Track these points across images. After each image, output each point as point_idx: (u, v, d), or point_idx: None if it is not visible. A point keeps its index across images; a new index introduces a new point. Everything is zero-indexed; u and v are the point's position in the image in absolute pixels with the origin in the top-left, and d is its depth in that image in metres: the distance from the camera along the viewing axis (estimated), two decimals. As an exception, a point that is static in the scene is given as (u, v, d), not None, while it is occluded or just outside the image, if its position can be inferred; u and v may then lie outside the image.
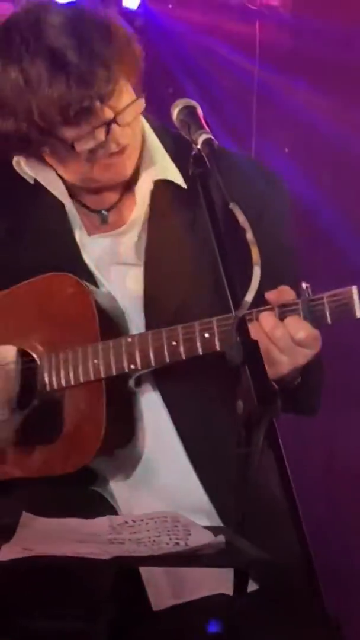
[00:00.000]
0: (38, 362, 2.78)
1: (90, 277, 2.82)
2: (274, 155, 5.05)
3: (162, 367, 2.71)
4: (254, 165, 2.97)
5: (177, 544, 2.30)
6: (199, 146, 2.44)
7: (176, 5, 5.37)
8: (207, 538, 2.32)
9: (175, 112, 2.55)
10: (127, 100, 2.70)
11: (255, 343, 2.19)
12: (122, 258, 2.85)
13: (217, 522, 2.70)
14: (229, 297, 2.28)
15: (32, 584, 2.33)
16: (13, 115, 2.68)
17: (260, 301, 2.51)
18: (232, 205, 2.30)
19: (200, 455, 2.76)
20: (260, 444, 2.08)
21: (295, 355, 2.51)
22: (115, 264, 2.85)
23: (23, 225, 2.88)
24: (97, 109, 2.64)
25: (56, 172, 2.85)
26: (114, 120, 2.67)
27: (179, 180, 2.79)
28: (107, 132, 2.68)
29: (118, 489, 2.82)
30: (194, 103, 2.57)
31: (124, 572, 2.42)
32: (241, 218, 2.28)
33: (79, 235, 2.88)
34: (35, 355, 2.78)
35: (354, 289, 2.47)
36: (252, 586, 2.48)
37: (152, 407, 2.79)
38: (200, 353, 2.61)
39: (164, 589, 2.57)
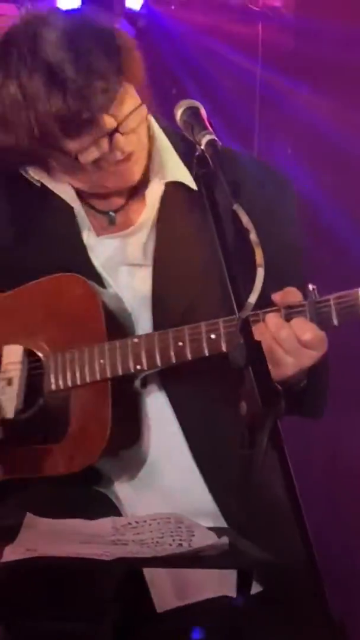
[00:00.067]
0: (44, 362, 2.78)
1: (97, 278, 2.82)
2: (277, 155, 5.06)
3: (168, 368, 2.70)
4: (260, 165, 2.97)
5: (181, 545, 2.30)
6: (202, 147, 2.44)
7: (179, 6, 5.37)
8: (210, 539, 2.32)
9: (178, 113, 2.55)
10: (130, 107, 2.70)
11: (258, 344, 2.18)
12: (130, 259, 2.85)
13: (222, 524, 2.69)
14: (232, 298, 2.28)
15: (36, 585, 2.34)
16: (14, 130, 2.69)
17: (266, 303, 2.51)
18: (235, 207, 2.29)
19: (205, 456, 2.76)
20: (264, 445, 2.08)
21: (301, 357, 2.50)
22: (123, 265, 2.85)
23: (31, 227, 2.88)
24: (98, 120, 2.65)
25: None
26: (116, 130, 2.67)
27: (189, 181, 2.79)
28: (111, 142, 2.68)
29: (123, 490, 2.82)
30: (197, 104, 2.56)
31: (128, 573, 2.42)
32: (245, 219, 2.27)
33: (87, 236, 2.88)
34: (41, 355, 2.78)
35: None
36: (256, 588, 2.48)
37: (158, 408, 2.79)
38: (207, 354, 2.61)
39: (167, 591, 2.57)
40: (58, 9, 2.81)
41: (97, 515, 2.51)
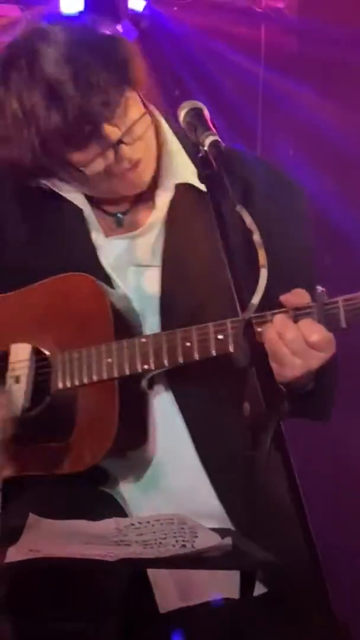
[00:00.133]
0: (52, 360, 2.78)
1: (106, 279, 2.82)
2: (279, 157, 5.05)
3: (175, 369, 2.70)
4: (265, 165, 2.96)
5: (184, 546, 2.30)
6: (205, 148, 2.44)
7: (181, 8, 5.37)
8: (214, 540, 2.32)
9: (182, 114, 2.54)
10: (134, 115, 2.70)
11: (261, 345, 2.18)
12: (138, 260, 2.85)
13: (228, 525, 2.68)
14: (236, 299, 2.28)
15: (41, 585, 2.34)
16: (17, 146, 2.70)
17: (274, 304, 2.51)
18: (238, 208, 2.29)
19: (212, 458, 2.76)
20: (267, 446, 2.08)
21: (308, 358, 2.50)
22: (132, 266, 2.85)
23: (42, 228, 2.89)
24: (101, 133, 2.65)
25: None
26: (120, 141, 2.68)
27: (199, 183, 2.79)
28: (116, 152, 2.68)
29: (128, 491, 2.81)
30: (200, 105, 2.56)
31: (132, 574, 2.42)
32: (248, 220, 2.27)
33: (96, 237, 2.88)
34: (49, 354, 2.78)
35: None
36: (260, 589, 2.48)
37: (164, 409, 2.79)
38: (214, 354, 2.61)
39: (171, 591, 2.57)
40: (58, 19, 2.78)
41: (103, 516, 2.51)
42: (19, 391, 2.77)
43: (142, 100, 2.75)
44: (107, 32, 2.74)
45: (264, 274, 2.17)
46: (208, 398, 2.76)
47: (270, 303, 2.50)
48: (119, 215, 2.89)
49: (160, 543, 2.32)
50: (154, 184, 2.84)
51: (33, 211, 2.89)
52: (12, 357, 2.82)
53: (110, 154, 2.69)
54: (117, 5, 5.02)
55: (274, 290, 2.42)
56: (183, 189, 2.81)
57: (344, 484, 5.02)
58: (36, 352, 2.79)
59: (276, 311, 2.53)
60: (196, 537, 2.34)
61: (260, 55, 5.39)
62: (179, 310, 2.76)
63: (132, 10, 5.18)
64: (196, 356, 2.63)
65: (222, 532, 2.39)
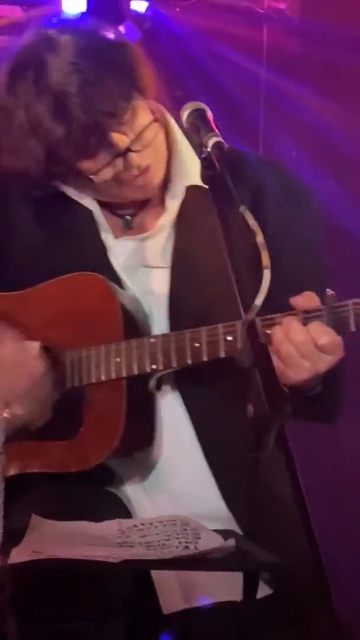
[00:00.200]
0: (60, 359, 2.78)
1: (115, 279, 2.83)
2: (282, 158, 5.04)
3: (183, 370, 2.71)
4: (278, 169, 2.96)
5: (187, 547, 2.30)
6: (208, 149, 2.44)
7: (184, 9, 5.37)
8: (217, 542, 2.32)
9: (184, 115, 2.54)
10: (143, 121, 2.71)
11: (264, 346, 2.18)
12: (148, 261, 2.85)
13: (233, 527, 2.68)
14: (239, 301, 2.28)
15: (44, 586, 2.33)
16: (24, 157, 2.70)
17: (284, 307, 2.51)
18: (242, 209, 2.29)
19: (219, 460, 2.75)
20: (270, 447, 2.08)
21: (316, 361, 2.50)
22: (141, 267, 2.85)
23: (53, 228, 2.89)
24: (109, 142, 2.65)
25: None
26: (129, 149, 2.68)
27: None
28: (125, 160, 2.68)
29: (134, 491, 2.81)
30: (203, 106, 2.56)
31: (136, 575, 2.42)
32: (251, 222, 2.27)
33: (106, 238, 2.89)
34: (58, 352, 2.78)
35: None
36: (265, 590, 2.48)
37: (172, 410, 2.79)
38: (223, 355, 2.61)
39: (174, 593, 2.57)
40: (66, 26, 2.78)
41: (107, 516, 2.51)
42: None
43: (150, 105, 2.74)
44: (115, 38, 2.74)
45: (267, 275, 2.17)
46: (216, 400, 2.76)
47: (280, 306, 2.50)
48: (127, 217, 2.89)
49: (164, 545, 2.32)
50: (164, 186, 2.84)
51: (43, 212, 2.89)
52: None
53: (119, 162, 2.69)
54: (119, 7, 5.02)
55: (285, 293, 2.43)
56: (194, 190, 2.81)
57: (348, 485, 5.02)
58: (46, 350, 2.79)
59: (285, 313, 2.53)
60: (199, 538, 2.34)
61: (262, 56, 5.39)
62: (188, 311, 2.76)
63: (135, 12, 5.18)
64: (205, 357, 2.63)
65: (225, 533, 2.39)
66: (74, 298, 2.79)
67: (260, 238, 2.23)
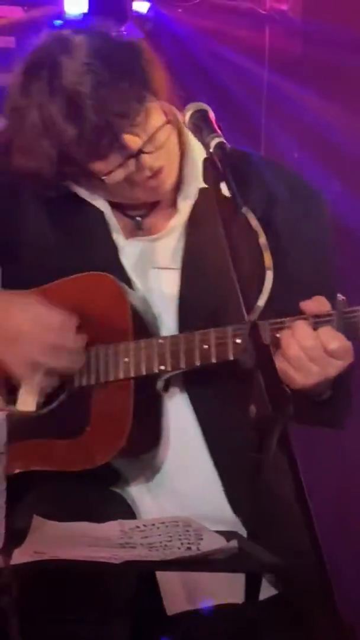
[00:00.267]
0: None
1: (126, 280, 2.82)
2: (284, 159, 5.05)
3: (191, 372, 2.70)
4: (286, 172, 2.95)
5: (189, 548, 2.29)
6: (211, 150, 2.44)
7: (186, 10, 5.38)
8: (219, 543, 2.32)
9: (187, 116, 2.55)
10: (156, 122, 2.70)
11: (267, 347, 2.18)
12: (158, 262, 2.85)
13: (239, 530, 2.68)
14: (241, 302, 2.27)
15: (47, 587, 2.33)
16: (37, 157, 2.70)
17: (294, 311, 2.51)
18: (244, 210, 2.29)
19: (226, 462, 2.75)
20: (273, 448, 2.08)
21: (326, 366, 2.50)
22: (151, 268, 2.85)
23: (65, 228, 2.88)
24: (121, 144, 2.65)
25: None
26: (141, 151, 2.68)
27: (223, 187, 2.78)
28: (138, 161, 2.68)
29: (139, 492, 2.81)
30: (205, 106, 2.56)
31: (140, 576, 2.42)
32: (254, 222, 2.27)
33: (117, 238, 2.88)
34: None
35: None
36: (269, 592, 2.48)
37: (179, 411, 2.78)
38: (231, 358, 2.61)
39: (178, 594, 2.56)
40: (80, 27, 2.78)
41: (111, 516, 2.51)
42: (34, 387, 2.77)
43: (163, 106, 2.74)
44: (128, 40, 2.74)
45: (269, 276, 2.18)
46: (224, 402, 2.75)
47: (289, 307, 2.50)
48: (137, 218, 2.89)
49: (166, 546, 2.31)
50: (177, 187, 2.84)
51: (55, 212, 2.89)
52: None
53: (132, 163, 2.69)
54: (121, 7, 5.03)
55: (294, 294, 2.42)
56: (206, 192, 2.80)
57: (351, 486, 5.02)
58: None
59: (295, 317, 2.53)
60: (201, 539, 2.33)
61: (264, 57, 5.39)
62: (197, 313, 2.76)
63: (137, 12, 5.19)
64: (213, 359, 2.63)
65: (227, 534, 2.38)
66: (84, 297, 2.79)
67: (262, 239, 2.23)
